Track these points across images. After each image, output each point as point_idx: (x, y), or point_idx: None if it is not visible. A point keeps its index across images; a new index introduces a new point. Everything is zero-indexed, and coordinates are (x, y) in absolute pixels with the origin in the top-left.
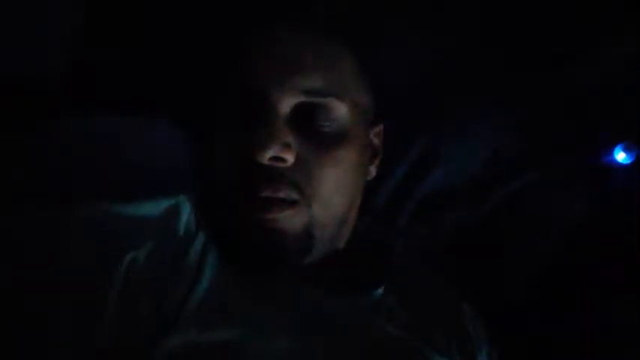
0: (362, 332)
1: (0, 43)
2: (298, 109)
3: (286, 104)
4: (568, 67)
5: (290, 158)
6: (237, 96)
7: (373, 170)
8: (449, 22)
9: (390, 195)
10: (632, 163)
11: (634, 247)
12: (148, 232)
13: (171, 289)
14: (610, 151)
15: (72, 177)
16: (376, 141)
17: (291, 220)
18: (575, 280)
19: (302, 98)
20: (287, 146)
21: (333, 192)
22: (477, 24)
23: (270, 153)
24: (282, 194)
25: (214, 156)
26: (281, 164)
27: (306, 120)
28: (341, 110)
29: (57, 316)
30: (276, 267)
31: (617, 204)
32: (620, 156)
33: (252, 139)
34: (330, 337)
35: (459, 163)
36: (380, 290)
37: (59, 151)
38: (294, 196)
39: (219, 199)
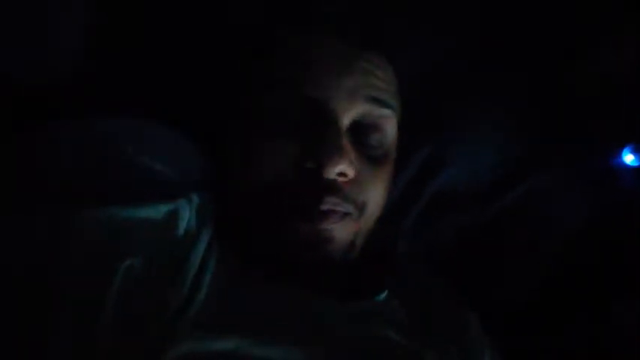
0: (364, 338)
1: (1, 44)
2: (356, 124)
3: (349, 116)
4: (571, 67)
5: (352, 174)
6: (295, 103)
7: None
8: (449, 23)
9: (395, 199)
10: None
11: (636, 251)
12: (145, 238)
13: (170, 298)
14: (618, 153)
15: (72, 178)
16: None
17: (342, 230)
18: (578, 283)
19: (367, 107)
20: (352, 162)
21: (377, 206)
22: (477, 24)
23: (339, 169)
24: (341, 208)
25: (263, 161)
26: (343, 178)
27: (361, 135)
28: (391, 127)
29: (55, 323)
30: (318, 274)
31: (624, 206)
32: (629, 158)
33: (318, 151)
34: (332, 344)
35: (463, 167)
36: (383, 295)
37: (59, 151)
38: (351, 209)
39: (264, 204)
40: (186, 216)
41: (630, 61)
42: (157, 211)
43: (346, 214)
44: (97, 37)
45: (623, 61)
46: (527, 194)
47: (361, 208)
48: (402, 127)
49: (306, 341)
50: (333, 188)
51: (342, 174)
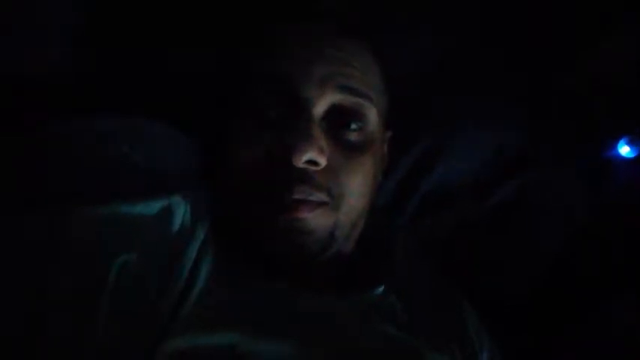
0: (361, 333)
1: (0, 43)
2: (331, 111)
3: (322, 104)
4: (570, 63)
5: (323, 162)
6: (270, 93)
7: (380, 176)
8: (449, 21)
9: (391, 193)
10: (636, 157)
11: (635, 242)
12: (140, 234)
13: (165, 292)
14: (614, 145)
15: (66, 177)
16: (385, 148)
17: (317, 220)
18: (577, 278)
19: (339, 96)
20: (322, 150)
21: (356, 197)
22: (477, 21)
23: (307, 157)
24: (313, 197)
25: (242, 154)
26: (314, 167)
27: (337, 123)
28: (372, 115)
29: (52, 321)
30: (296, 266)
31: (620, 198)
32: (624, 149)
33: (288, 140)
34: (329, 339)
35: (461, 161)
36: (380, 289)
37: (59, 151)
38: (324, 198)
39: (243, 197)
40: (181, 212)
41: (628, 55)
42: (151, 207)
43: (320, 204)
44: (94, 35)
45: (621, 56)
46: (526, 187)
47: (337, 197)
48: (398, 121)
49: (304, 335)
50: (303, 177)
51: (311, 162)
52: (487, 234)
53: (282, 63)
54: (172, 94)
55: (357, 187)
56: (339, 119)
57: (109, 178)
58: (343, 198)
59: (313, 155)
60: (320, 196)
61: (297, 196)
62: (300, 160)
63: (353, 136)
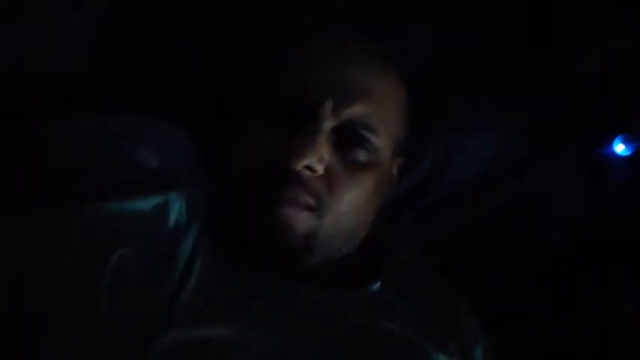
0: (358, 328)
1: (2, 43)
2: (340, 128)
3: (330, 122)
4: (569, 63)
5: (320, 170)
6: (280, 102)
7: (382, 198)
8: (449, 21)
9: (393, 194)
10: (631, 155)
11: (634, 240)
12: (136, 229)
13: (161, 287)
14: (609, 144)
15: (70, 177)
16: (395, 172)
17: (297, 221)
18: (576, 276)
19: (346, 124)
20: (322, 159)
21: (347, 212)
22: (477, 21)
23: (305, 161)
24: (300, 199)
25: (242, 154)
26: (310, 172)
27: (343, 139)
28: (379, 143)
29: (49, 315)
30: (278, 264)
31: (616, 196)
32: (620, 148)
33: (291, 144)
34: (325, 333)
35: (460, 161)
36: (377, 285)
37: (59, 150)
38: (311, 203)
39: (238, 194)
40: (177, 208)
41: (628, 55)
42: (147, 203)
43: (305, 208)
44: (98, 35)
45: (620, 56)
46: (526, 187)
47: (325, 206)
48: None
49: (300, 329)
50: (297, 179)
51: (309, 167)
52: (487, 234)
53: (299, 74)
54: (172, 94)
55: (349, 203)
56: (345, 137)
57: (109, 178)
58: (330, 209)
59: (312, 162)
60: (307, 200)
61: (285, 195)
62: (299, 164)
63: (360, 154)
